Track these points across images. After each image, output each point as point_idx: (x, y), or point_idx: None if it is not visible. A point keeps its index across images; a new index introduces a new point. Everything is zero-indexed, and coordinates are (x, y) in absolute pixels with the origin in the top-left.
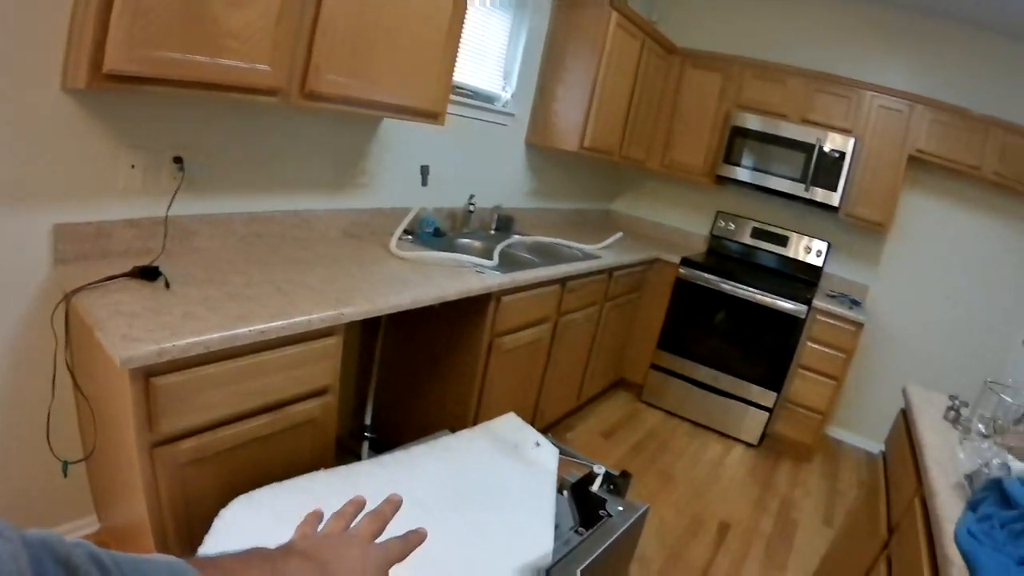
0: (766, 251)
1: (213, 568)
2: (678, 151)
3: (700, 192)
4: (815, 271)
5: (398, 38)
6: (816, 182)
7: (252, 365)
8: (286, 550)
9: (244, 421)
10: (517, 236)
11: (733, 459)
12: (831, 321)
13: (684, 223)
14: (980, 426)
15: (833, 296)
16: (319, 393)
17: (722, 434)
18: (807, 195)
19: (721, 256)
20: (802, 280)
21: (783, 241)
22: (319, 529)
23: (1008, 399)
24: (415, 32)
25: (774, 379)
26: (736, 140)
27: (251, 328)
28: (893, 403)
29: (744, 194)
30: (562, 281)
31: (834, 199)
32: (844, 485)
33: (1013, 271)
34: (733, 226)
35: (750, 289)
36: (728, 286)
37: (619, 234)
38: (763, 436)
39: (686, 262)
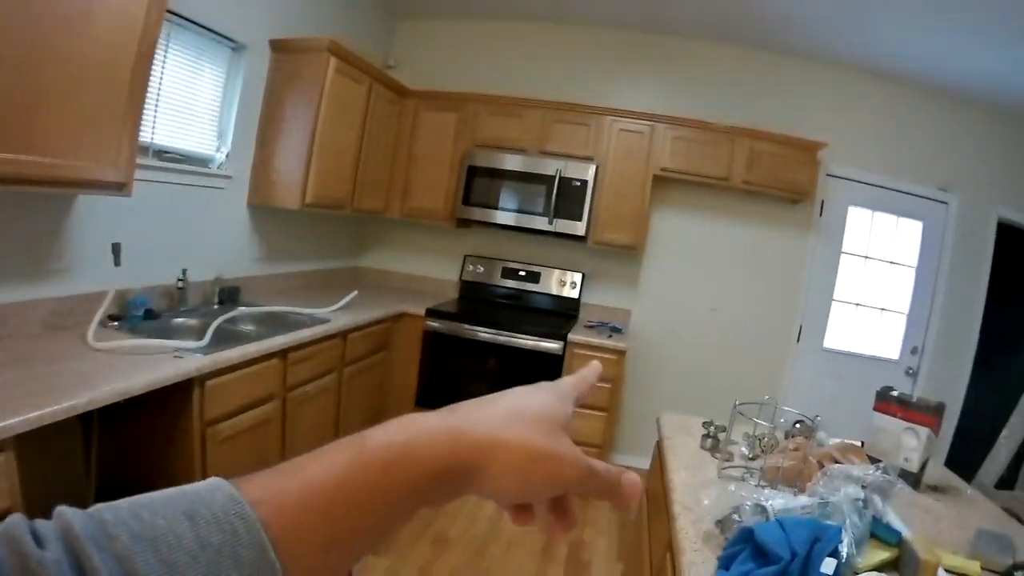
0: (520, 290)
1: (272, 472)
2: (417, 197)
3: (447, 237)
4: (573, 304)
5: (70, 103)
6: (560, 213)
7: None
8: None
9: None
10: (243, 308)
11: None
12: (591, 353)
13: (434, 271)
14: (744, 449)
15: (592, 326)
16: None
17: None
18: (552, 228)
19: (472, 301)
20: (561, 315)
21: (535, 278)
22: None
23: (764, 424)
24: (90, 95)
25: None
26: (475, 180)
27: None
28: None
29: (490, 234)
30: (283, 353)
31: (580, 228)
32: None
33: (772, 271)
34: (482, 268)
35: (502, 332)
36: (479, 332)
37: (354, 293)
38: None
39: (432, 313)
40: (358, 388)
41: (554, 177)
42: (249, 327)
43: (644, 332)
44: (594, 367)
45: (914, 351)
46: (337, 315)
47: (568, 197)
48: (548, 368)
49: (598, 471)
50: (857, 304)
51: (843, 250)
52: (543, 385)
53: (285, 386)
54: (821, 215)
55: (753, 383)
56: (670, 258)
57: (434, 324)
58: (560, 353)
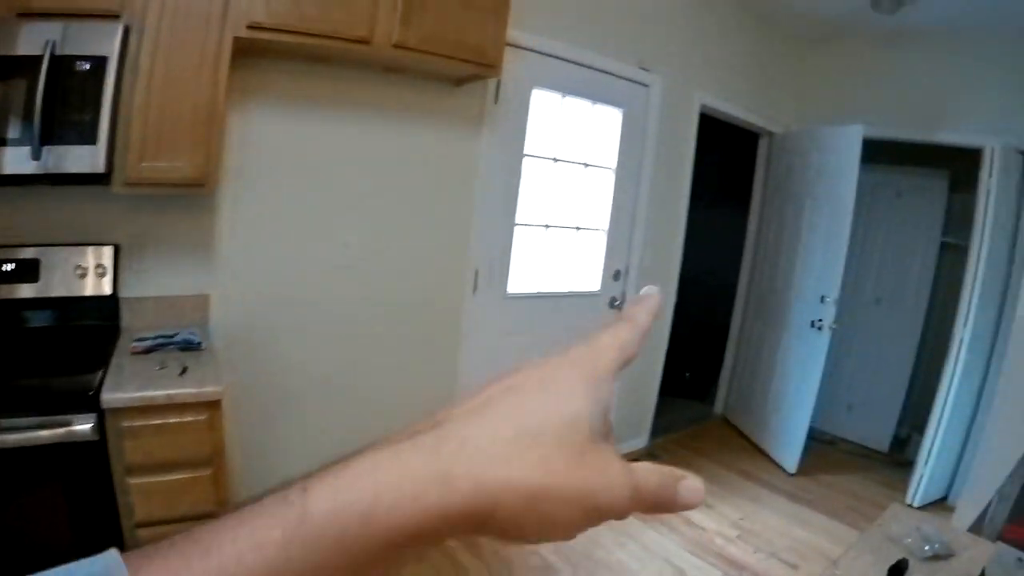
0: (5, 302)
1: (181, 551)
2: None
3: None
4: (107, 309)
5: None
6: (55, 136)
7: None
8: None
9: None
10: None
11: None
12: (156, 421)
13: None
14: None
15: (145, 351)
16: None
17: None
18: (42, 167)
19: None
20: (88, 338)
21: (31, 271)
22: None
23: None
24: None
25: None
26: None
27: None
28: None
29: None
30: None
31: (96, 159)
32: None
33: (430, 193)
34: None
35: None
36: None
37: None
38: None
39: None
40: None
41: (41, 59)
42: None
43: (238, 327)
44: (647, 304)
45: (616, 276)
46: None
47: (71, 99)
48: (74, 477)
49: (647, 490)
50: (547, 226)
51: (526, 152)
52: (567, 365)
53: None
54: (497, 101)
55: (419, 371)
56: (267, 192)
57: None
58: (95, 438)
